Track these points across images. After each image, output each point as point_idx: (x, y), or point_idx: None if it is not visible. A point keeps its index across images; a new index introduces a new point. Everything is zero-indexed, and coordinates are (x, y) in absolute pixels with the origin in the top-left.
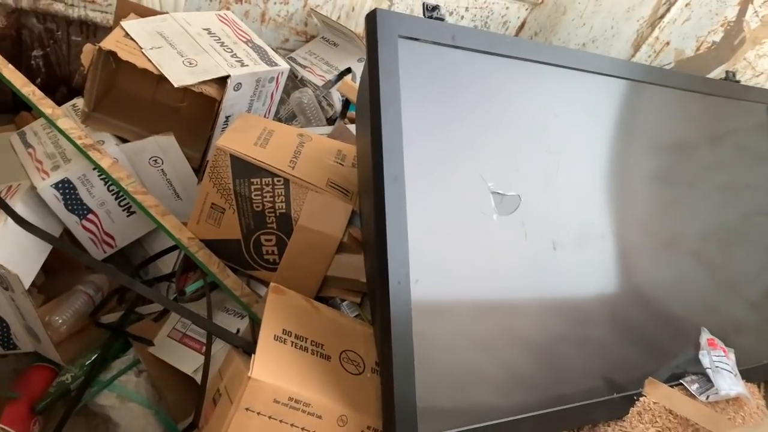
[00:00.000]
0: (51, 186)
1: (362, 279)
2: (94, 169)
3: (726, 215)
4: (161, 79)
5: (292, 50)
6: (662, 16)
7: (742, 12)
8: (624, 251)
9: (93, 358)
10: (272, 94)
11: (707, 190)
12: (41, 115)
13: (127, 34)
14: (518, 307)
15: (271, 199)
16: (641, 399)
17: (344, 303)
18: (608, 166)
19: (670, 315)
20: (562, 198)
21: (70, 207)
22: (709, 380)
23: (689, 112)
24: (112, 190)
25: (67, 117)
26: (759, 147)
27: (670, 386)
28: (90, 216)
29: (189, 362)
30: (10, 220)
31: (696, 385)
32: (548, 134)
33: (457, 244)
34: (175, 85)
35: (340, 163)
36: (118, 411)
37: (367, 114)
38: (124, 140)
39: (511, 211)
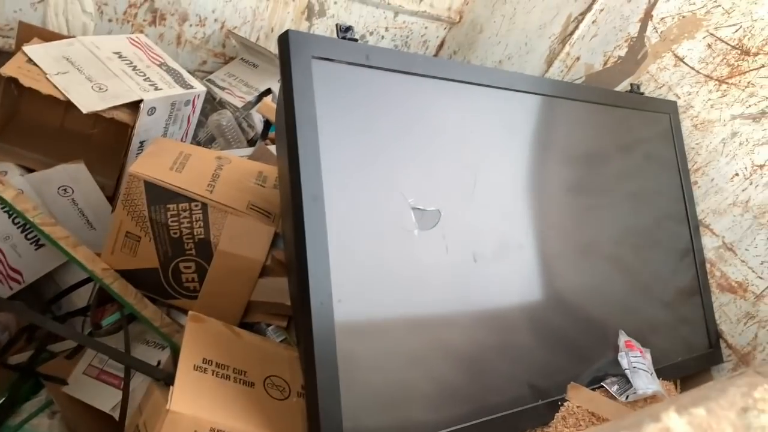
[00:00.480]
0: None
1: (287, 302)
2: None
3: (638, 221)
4: (70, 105)
5: (211, 72)
6: (572, 33)
7: (643, 28)
8: (543, 260)
9: (0, 402)
10: (189, 117)
11: (620, 197)
12: None
13: (30, 60)
14: (443, 321)
15: (189, 224)
16: (565, 404)
17: (270, 328)
18: (525, 179)
19: (589, 320)
20: (481, 211)
21: None
22: (628, 381)
23: (599, 124)
24: (18, 222)
25: None
26: (664, 154)
27: (591, 389)
28: None
29: (107, 399)
30: None
31: (616, 387)
32: (465, 149)
33: (380, 261)
34: (84, 111)
35: (261, 185)
36: None
37: (285, 135)
38: (30, 170)
39: (431, 225)
